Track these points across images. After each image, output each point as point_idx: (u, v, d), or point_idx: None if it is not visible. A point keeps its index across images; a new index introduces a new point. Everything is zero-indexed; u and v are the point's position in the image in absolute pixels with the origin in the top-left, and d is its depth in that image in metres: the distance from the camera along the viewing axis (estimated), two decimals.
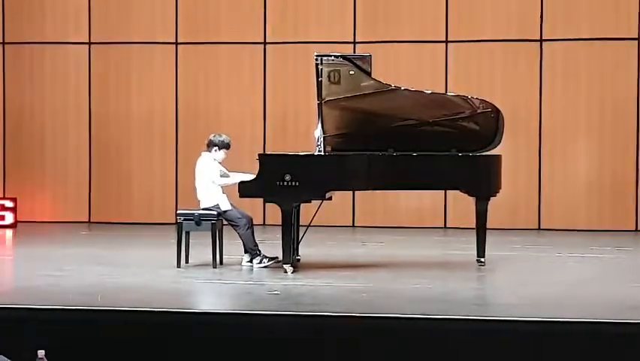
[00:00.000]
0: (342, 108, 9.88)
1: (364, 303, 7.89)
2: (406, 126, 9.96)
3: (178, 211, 10.04)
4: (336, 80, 9.74)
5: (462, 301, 8.01)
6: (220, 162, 9.93)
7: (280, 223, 9.40)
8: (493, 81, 13.74)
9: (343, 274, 9.42)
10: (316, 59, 9.72)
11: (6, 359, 5.23)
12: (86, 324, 7.22)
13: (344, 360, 7.01)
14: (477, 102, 10.12)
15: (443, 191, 13.15)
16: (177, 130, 14.34)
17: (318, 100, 9.73)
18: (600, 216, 13.55)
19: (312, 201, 9.62)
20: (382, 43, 13.77)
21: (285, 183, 9.28)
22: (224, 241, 9.97)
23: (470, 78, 13.77)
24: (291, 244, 9.47)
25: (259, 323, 7.22)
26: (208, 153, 9.95)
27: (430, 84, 12.20)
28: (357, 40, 14.01)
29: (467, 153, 9.84)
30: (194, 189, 9.99)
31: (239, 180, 9.58)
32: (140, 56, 14.40)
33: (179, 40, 14.36)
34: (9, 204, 13.85)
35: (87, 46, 14.45)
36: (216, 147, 9.92)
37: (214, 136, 10.00)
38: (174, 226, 10.07)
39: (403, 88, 9.99)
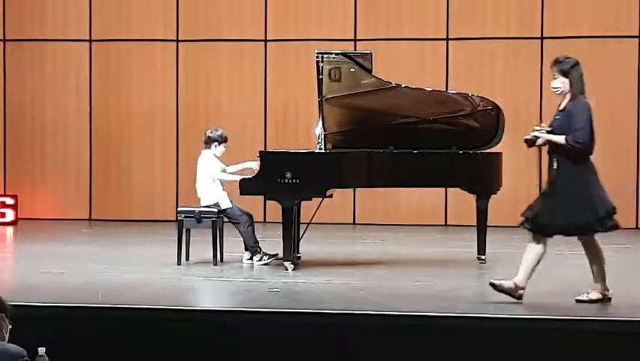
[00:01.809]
0: (342, 106, 9.88)
1: (365, 301, 7.88)
2: (407, 124, 9.96)
3: (179, 209, 10.04)
4: (337, 77, 9.74)
5: (462, 299, 8.00)
6: (219, 157, 9.95)
7: (281, 221, 9.41)
8: (493, 79, 13.72)
9: (344, 272, 9.42)
10: (317, 57, 9.72)
11: (15, 346, 5.22)
12: (86, 321, 7.23)
13: (344, 358, 7.02)
14: (477, 100, 10.12)
15: (444, 188, 13.16)
16: (178, 127, 14.33)
17: (318, 97, 9.73)
18: None
19: (313, 198, 9.63)
20: (383, 41, 13.76)
21: (286, 181, 9.27)
22: (225, 239, 9.96)
23: (471, 76, 13.76)
24: (291, 241, 9.46)
25: (259, 320, 7.23)
26: (208, 149, 9.96)
27: (430, 82, 12.18)
28: (358, 38, 14.00)
29: (468, 151, 9.84)
30: (195, 187, 10.01)
31: (239, 176, 9.60)
32: (140, 53, 14.39)
33: (180, 38, 14.35)
34: (10, 201, 13.84)
35: (88, 43, 14.44)
36: (216, 143, 9.93)
37: (211, 132, 10.01)
38: (175, 223, 10.07)
39: (403, 85, 9.99)
